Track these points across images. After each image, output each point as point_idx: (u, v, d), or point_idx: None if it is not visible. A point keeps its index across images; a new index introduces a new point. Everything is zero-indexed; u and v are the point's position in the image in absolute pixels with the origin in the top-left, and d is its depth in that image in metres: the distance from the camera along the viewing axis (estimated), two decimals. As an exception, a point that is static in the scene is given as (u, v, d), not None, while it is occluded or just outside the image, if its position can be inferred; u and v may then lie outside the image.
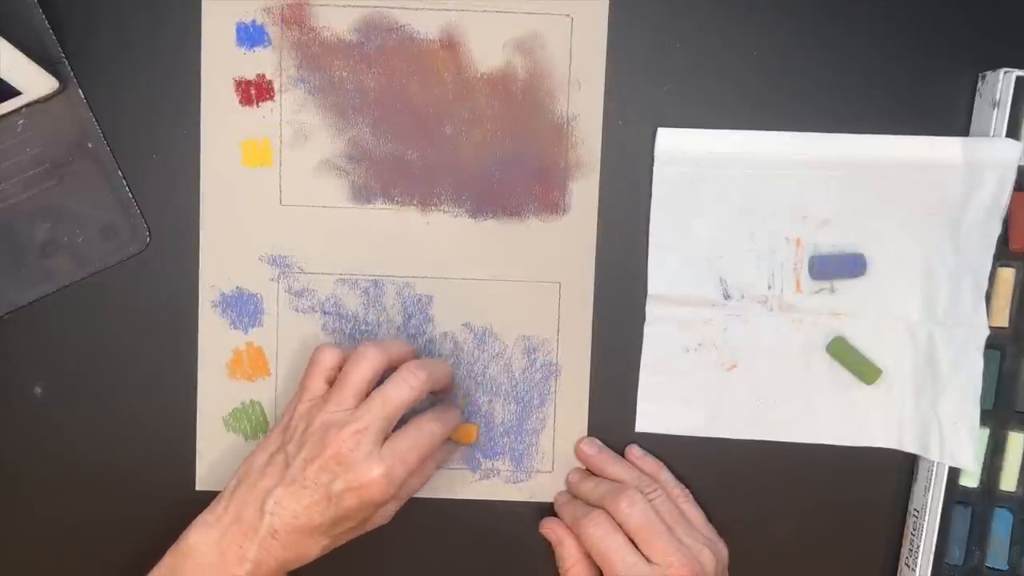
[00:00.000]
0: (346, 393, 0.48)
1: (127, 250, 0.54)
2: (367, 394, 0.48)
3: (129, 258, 0.54)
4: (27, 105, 0.52)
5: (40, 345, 0.55)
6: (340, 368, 0.49)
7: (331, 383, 0.49)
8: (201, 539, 0.47)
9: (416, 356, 0.51)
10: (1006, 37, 0.54)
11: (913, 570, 0.54)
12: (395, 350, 0.50)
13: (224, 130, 0.54)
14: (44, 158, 0.53)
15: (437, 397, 0.55)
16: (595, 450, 0.55)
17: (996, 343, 0.53)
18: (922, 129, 0.54)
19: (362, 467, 0.46)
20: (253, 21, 0.54)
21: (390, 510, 0.50)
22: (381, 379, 0.49)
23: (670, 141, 0.54)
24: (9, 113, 0.52)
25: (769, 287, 0.55)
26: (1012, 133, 0.52)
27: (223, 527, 0.47)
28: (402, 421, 0.48)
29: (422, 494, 0.56)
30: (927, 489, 0.54)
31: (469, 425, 0.55)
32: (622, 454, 0.56)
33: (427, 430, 0.49)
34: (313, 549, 0.47)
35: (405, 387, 0.48)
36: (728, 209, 0.55)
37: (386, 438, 0.47)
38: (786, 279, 0.55)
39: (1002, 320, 0.54)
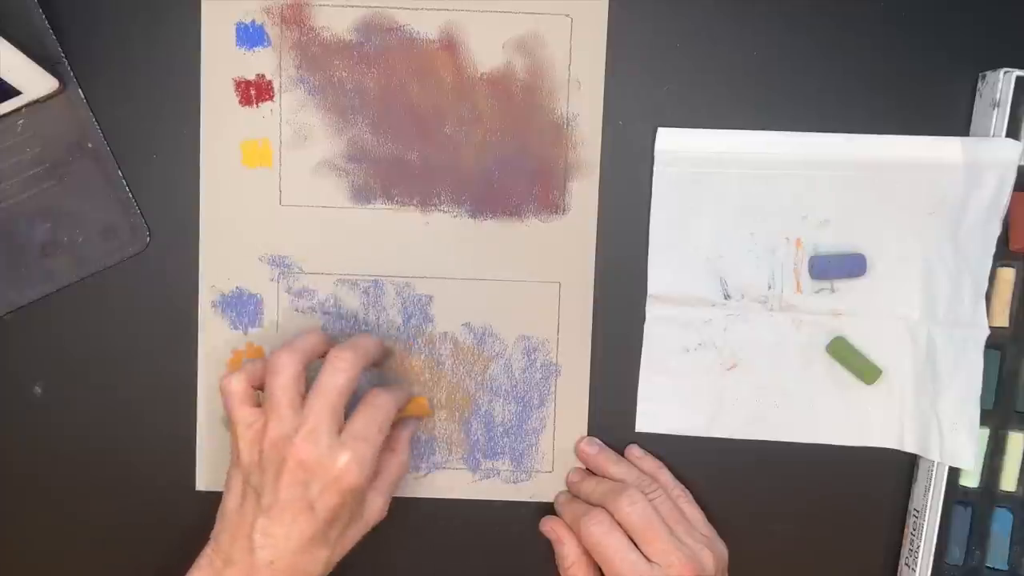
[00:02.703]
0: (280, 406, 0.47)
1: (127, 250, 0.54)
2: (301, 397, 0.47)
3: (129, 258, 0.54)
4: (27, 105, 0.52)
5: (40, 345, 0.55)
6: (254, 387, 0.49)
7: (257, 404, 0.48)
8: None
9: (330, 339, 0.51)
10: (1006, 37, 0.54)
11: (913, 570, 0.54)
12: (306, 345, 0.49)
13: (224, 130, 0.54)
14: (44, 158, 0.53)
15: (379, 370, 0.55)
16: (595, 450, 0.55)
17: (996, 343, 0.53)
18: (922, 129, 0.54)
19: (328, 461, 0.46)
20: (253, 21, 0.54)
21: (378, 504, 0.50)
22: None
23: (670, 141, 0.54)
24: (9, 113, 0.52)
25: (769, 287, 0.55)
26: (1012, 133, 0.52)
27: (218, 575, 0.46)
28: (350, 405, 0.48)
29: (422, 494, 0.56)
30: (927, 489, 0.54)
31: (419, 397, 0.55)
32: (622, 454, 0.56)
33: (377, 403, 0.48)
34: (317, 566, 0.47)
35: (338, 373, 0.47)
36: (728, 209, 0.55)
37: (340, 428, 0.47)
38: (786, 279, 0.55)
39: (1002, 320, 0.54)
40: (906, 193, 0.54)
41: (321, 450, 0.46)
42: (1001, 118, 0.52)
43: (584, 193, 0.55)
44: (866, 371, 0.54)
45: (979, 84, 0.54)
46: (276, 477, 0.46)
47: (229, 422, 0.49)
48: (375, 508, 0.50)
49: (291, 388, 0.47)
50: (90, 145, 0.54)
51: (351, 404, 0.48)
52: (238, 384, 0.48)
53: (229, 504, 0.48)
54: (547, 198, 0.55)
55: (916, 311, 0.54)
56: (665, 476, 0.55)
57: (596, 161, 0.55)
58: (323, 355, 0.49)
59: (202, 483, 0.55)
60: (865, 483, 0.56)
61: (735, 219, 0.55)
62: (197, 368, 0.55)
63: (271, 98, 0.54)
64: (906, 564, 0.55)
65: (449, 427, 0.56)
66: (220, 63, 0.54)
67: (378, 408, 0.48)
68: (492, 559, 0.56)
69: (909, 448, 0.55)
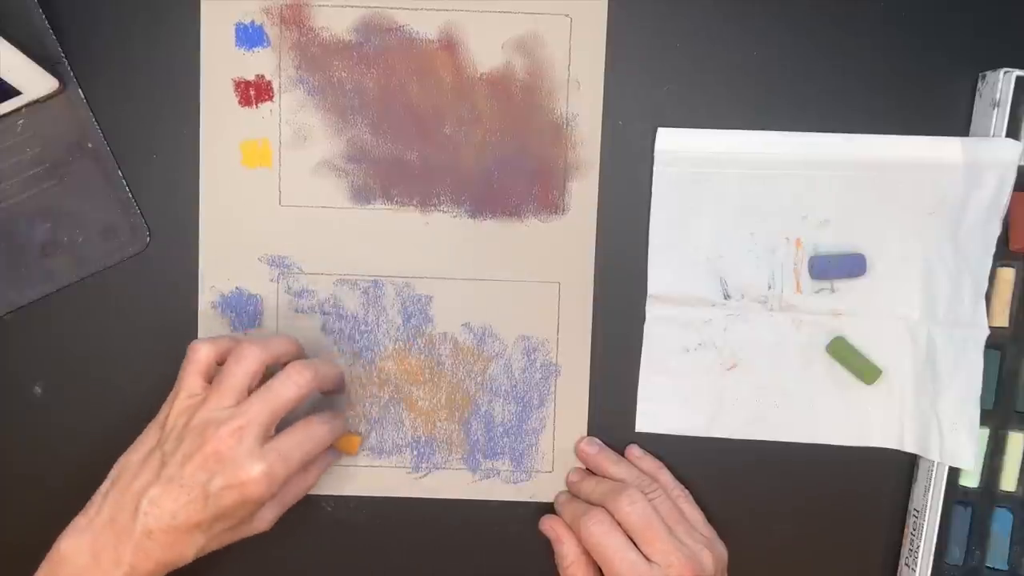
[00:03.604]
0: (226, 391, 0.47)
1: (127, 250, 0.54)
2: (248, 392, 0.47)
3: (129, 258, 0.54)
4: (27, 105, 0.52)
5: (40, 345, 0.55)
6: (217, 363, 0.49)
7: (209, 380, 0.48)
8: (74, 545, 0.46)
9: (301, 352, 0.51)
10: (1006, 37, 0.54)
11: (913, 570, 0.54)
12: (277, 348, 0.49)
13: (224, 131, 0.54)
14: (44, 158, 0.53)
15: (329, 401, 0.54)
16: (595, 449, 0.55)
17: (996, 343, 0.53)
18: (922, 129, 0.54)
19: (243, 464, 0.45)
20: (252, 22, 0.54)
21: (268, 516, 0.49)
22: (264, 379, 0.48)
23: (670, 141, 0.54)
24: (9, 113, 0.52)
25: (769, 287, 0.55)
26: (1012, 133, 0.52)
27: (95, 530, 0.46)
28: (285, 423, 0.48)
29: (422, 494, 0.56)
30: (927, 489, 0.54)
31: (353, 435, 0.54)
32: (622, 454, 0.56)
33: (314, 432, 0.48)
34: (189, 550, 0.46)
35: (291, 384, 0.47)
36: (728, 209, 0.55)
37: (268, 437, 0.46)
38: (786, 279, 0.55)
39: (1002, 320, 0.54)
40: (906, 193, 0.54)
41: (240, 451, 0.45)
42: (1001, 118, 0.52)
43: (584, 193, 0.55)
44: (866, 371, 0.54)
45: (979, 84, 0.54)
46: (187, 456, 0.46)
47: (176, 381, 0.49)
48: (264, 519, 0.49)
49: (244, 379, 0.47)
50: (90, 145, 0.54)
51: (285, 421, 0.48)
52: (205, 354, 0.48)
53: (132, 459, 0.47)
54: (547, 198, 0.55)
55: (916, 311, 0.54)
56: (665, 476, 0.55)
57: (596, 161, 0.55)
58: (286, 363, 0.49)
59: (202, 483, 0.55)
60: (865, 483, 0.56)
61: (735, 219, 0.55)
62: (197, 368, 0.55)
63: (271, 98, 0.54)
64: (906, 564, 0.55)
65: (449, 427, 0.56)
66: (220, 63, 0.54)
67: (311, 437, 0.48)
68: (492, 559, 0.56)
69: (909, 448, 0.55)
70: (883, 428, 0.55)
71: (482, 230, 0.55)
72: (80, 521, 0.47)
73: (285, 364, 0.49)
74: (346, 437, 0.54)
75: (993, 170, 0.52)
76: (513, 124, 0.55)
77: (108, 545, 0.45)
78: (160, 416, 0.49)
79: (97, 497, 0.47)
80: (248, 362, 0.47)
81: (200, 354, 0.48)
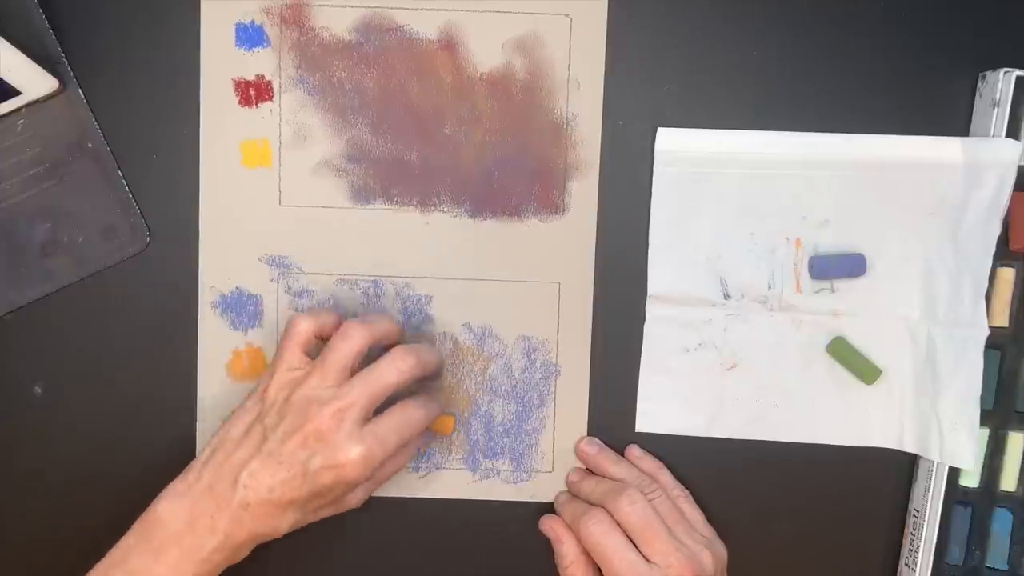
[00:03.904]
0: (330, 369, 0.47)
1: (127, 250, 0.54)
2: (350, 372, 0.48)
3: (129, 258, 0.54)
4: (27, 105, 0.52)
5: (40, 345, 0.55)
6: (316, 337, 0.49)
7: (308, 354, 0.49)
8: (171, 508, 0.47)
9: (402, 335, 0.51)
10: (1006, 37, 0.54)
11: (913, 570, 0.54)
12: (381, 329, 0.49)
13: (224, 131, 0.54)
14: (44, 158, 0.53)
15: (422, 383, 0.55)
16: (595, 449, 0.55)
17: (996, 343, 0.53)
18: (922, 129, 0.54)
19: (342, 446, 0.46)
20: (252, 22, 0.54)
21: (361, 495, 0.50)
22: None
23: (670, 141, 0.54)
24: (9, 113, 0.52)
25: (769, 287, 0.55)
26: (1012, 133, 0.52)
27: (194, 497, 0.46)
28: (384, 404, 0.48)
29: (422, 494, 0.56)
30: (927, 489, 0.54)
31: (447, 416, 0.55)
32: (622, 454, 0.56)
33: (411, 416, 0.49)
34: (283, 524, 0.47)
35: (394, 370, 0.48)
36: (728, 209, 0.55)
37: (367, 419, 0.47)
38: (786, 279, 0.55)
39: (1002, 320, 0.54)
40: (906, 193, 0.54)
41: (341, 433, 0.46)
42: (1001, 118, 0.52)
43: (584, 193, 0.55)
44: (866, 371, 0.54)
45: (979, 84, 0.54)
46: (288, 433, 0.46)
47: (276, 354, 0.49)
48: (356, 498, 0.50)
49: (348, 359, 0.47)
50: (90, 145, 0.54)
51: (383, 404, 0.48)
52: (306, 327, 0.49)
53: (232, 432, 0.48)
54: (547, 198, 0.55)
55: (916, 311, 0.54)
56: (665, 476, 0.55)
57: (596, 161, 0.55)
58: (387, 346, 0.49)
59: (202, 483, 0.55)
60: (865, 483, 0.56)
61: (735, 219, 0.55)
62: (197, 368, 0.55)
63: (271, 98, 0.54)
64: (906, 564, 0.55)
65: (449, 427, 0.56)
66: (220, 63, 0.54)
67: (408, 421, 0.48)
68: (492, 559, 0.56)
69: (909, 448, 0.55)
70: (883, 428, 0.55)
71: (482, 230, 0.55)
72: (178, 486, 0.47)
73: (387, 346, 0.49)
74: (440, 418, 0.54)
75: (993, 170, 0.52)
76: (513, 124, 0.55)
77: (205, 512, 0.46)
78: (259, 387, 0.49)
79: (196, 464, 0.48)
80: (353, 342, 0.48)
81: (301, 327, 0.49)
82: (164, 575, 0.46)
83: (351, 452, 0.46)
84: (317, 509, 0.48)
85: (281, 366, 0.48)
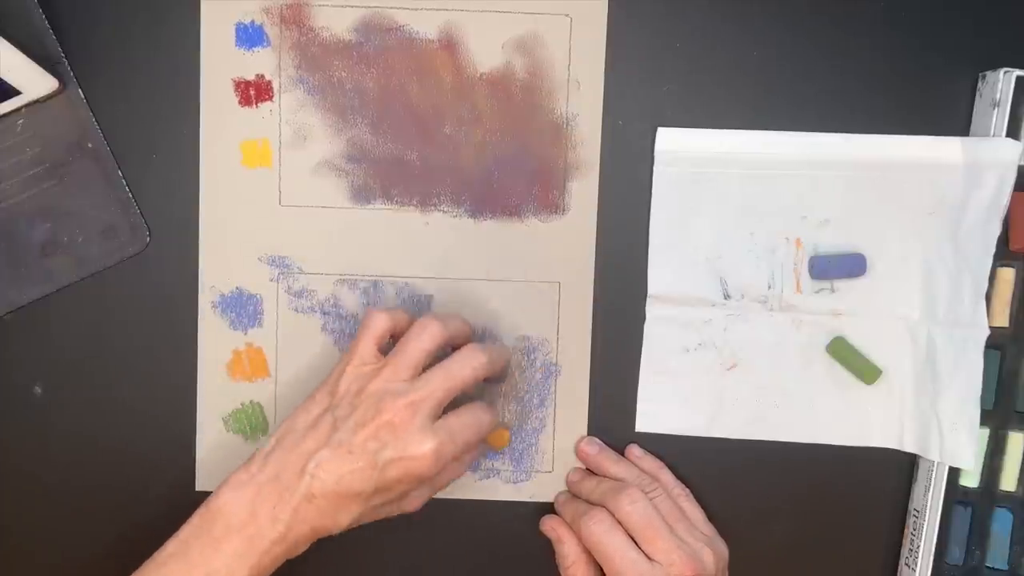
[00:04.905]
0: (404, 364, 0.47)
1: (127, 250, 0.54)
2: (423, 367, 0.48)
3: (129, 258, 0.54)
4: (27, 105, 0.52)
5: (40, 345, 0.55)
6: (390, 334, 0.49)
7: (382, 349, 0.49)
8: (233, 498, 0.46)
9: (473, 336, 0.51)
10: (1006, 37, 0.54)
11: (913, 570, 0.54)
12: (455, 328, 0.49)
13: (224, 130, 0.54)
14: (44, 158, 0.53)
15: (484, 387, 0.55)
16: (595, 449, 0.55)
17: (996, 343, 0.53)
18: (922, 129, 0.54)
19: (414, 439, 0.45)
20: (252, 21, 0.54)
21: (421, 496, 0.50)
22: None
23: (670, 141, 0.54)
24: (9, 113, 0.52)
25: (769, 287, 0.55)
26: (1012, 133, 0.52)
27: (257, 485, 0.46)
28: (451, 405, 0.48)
29: (422, 494, 0.56)
30: (927, 489, 0.54)
31: (503, 428, 0.55)
32: (622, 454, 0.56)
33: (480, 417, 0.48)
34: (344, 518, 0.46)
35: (467, 367, 0.47)
36: (728, 209, 0.55)
37: (438, 415, 0.47)
38: (786, 279, 0.55)
39: (1002, 320, 0.54)
40: (906, 193, 0.54)
41: (413, 426, 0.46)
42: (1001, 118, 0.52)
43: (584, 193, 0.55)
44: (866, 371, 0.54)
45: (979, 84, 0.54)
46: (360, 423, 0.46)
47: (350, 348, 0.49)
48: (417, 499, 0.50)
49: (422, 355, 0.47)
50: (90, 145, 0.54)
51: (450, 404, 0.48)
52: (382, 323, 0.49)
53: (299, 422, 0.47)
54: (547, 198, 0.55)
55: (916, 311, 0.54)
56: (666, 475, 0.55)
57: (596, 161, 0.55)
58: (457, 345, 0.49)
59: (201, 483, 0.55)
60: (865, 483, 0.56)
61: (735, 219, 0.55)
62: (197, 368, 0.55)
63: (271, 98, 0.54)
64: (906, 564, 0.55)
65: (449, 427, 0.56)
66: (220, 63, 0.54)
67: (478, 422, 0.48)
68: (492, 559, 0.56)
69: (909, 448, 0.55)
70: (883, 428, 0.55)
71: (482, 230, 0.55)
72: (240, 476, 0.46)
73: (458, 345, 0.49)
74: (497, 431, 0.54)
75: (993, 170, 0.52)
76: (513, 124, 0.55)
77: (268, 502, 0.45)
78: (330, 380, 0.48)
79: (259, 455, 0.47)
80: (429, 338, 0.48)
81: (377, 322, 0.49)
82: (224, 565, 0.45)
83: (423, 446, 0.45)
84: (379, 506, 0.48)
85: (354, 359, 0.48)
